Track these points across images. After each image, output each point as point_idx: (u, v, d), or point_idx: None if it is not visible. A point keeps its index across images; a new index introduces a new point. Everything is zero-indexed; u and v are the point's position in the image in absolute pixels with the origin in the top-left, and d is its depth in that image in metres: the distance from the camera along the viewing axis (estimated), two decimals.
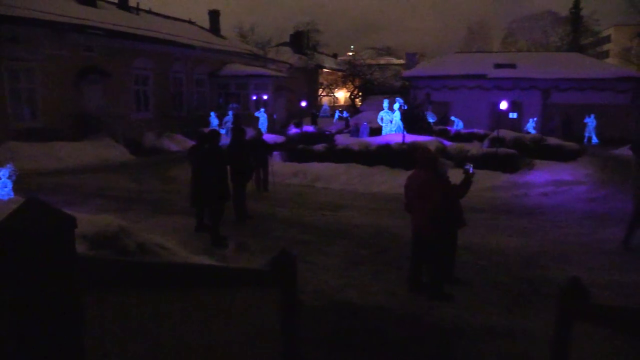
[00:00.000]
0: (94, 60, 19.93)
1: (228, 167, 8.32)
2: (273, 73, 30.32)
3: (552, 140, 16.83)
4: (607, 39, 58.38)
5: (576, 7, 48.93)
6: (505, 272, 6.82)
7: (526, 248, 8.00)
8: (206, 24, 33.80)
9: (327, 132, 18.85)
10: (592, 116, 24.26)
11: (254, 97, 27.29)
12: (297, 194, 12.17)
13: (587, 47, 49.50)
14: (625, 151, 17.97)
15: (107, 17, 22.15)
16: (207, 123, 22.93)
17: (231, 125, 21.51)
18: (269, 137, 18.07)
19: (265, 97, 27.25)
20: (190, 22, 32.34)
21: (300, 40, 45.01)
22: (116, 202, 10.62)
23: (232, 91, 27.89)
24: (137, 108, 22.62)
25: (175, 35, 25.60)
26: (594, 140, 23.91)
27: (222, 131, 20.26)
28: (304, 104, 28.53)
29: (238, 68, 28.55)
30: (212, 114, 23.77)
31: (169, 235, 7.51)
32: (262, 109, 24.42)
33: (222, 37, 33.48)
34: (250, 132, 12.24)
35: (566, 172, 13.88)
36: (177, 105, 25.20)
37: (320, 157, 14.78)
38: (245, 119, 22.13)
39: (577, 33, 48.63)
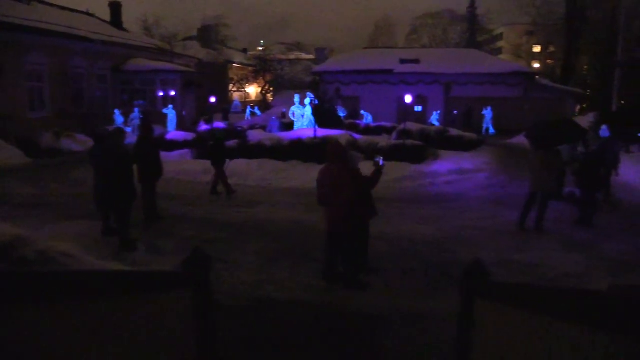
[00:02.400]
0: None
1: (135, 166, 7.97)
2: (181, 68, 29.37)
3: (454, 132, 17.83)
4: (500, 37, 62.59)
5: (472, 6, 52.02)
6: (416, 258, 7.15)
7: (434, 234, 8.42)
8: (107, 16, 32.03)
9: (239, 128, 18.60)
10: (489, 108, 25.97)
11: (161, 94, 26.30)
12: (209, 192, 11.92)
13: (483, 44, 52.88)
14: (520, 139, 19.46)
15: None
16: (112, 121, 21.79)
17: (138, 123, 20.62)
18: (178, 135, 17.56)
19: (172, 93, 26.35)
20: (88, 14, 30.45)
21: (208, 35, 43.94)
22: (11, 209, 9.79)
23: (137, 87, 26.66)
24: (31, 106, 20.93)
25: (72, 27, 23.99)
26: (491, 130, 25.62)
27: (128, 129, 19.40)
28: (213, 99, 27.91)
29: (143, 63, 27.34)
30: (117, 111, 22.63)
31: (73, 242, 7.04)
32: (171, 106, 23.63)
33: (125, 30, 31.88)
34: (157, 130, 11.74)
35: (467, 161, 14.77)
36: (78, 102, 23.66)
37: (233, 154, 14.56)
38: (153, 116, 21.28)
39: (474, 31, 51.76)
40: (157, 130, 16.29)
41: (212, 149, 11.90)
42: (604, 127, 13.41)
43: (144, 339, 2.50)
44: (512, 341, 2.68)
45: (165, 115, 22.88)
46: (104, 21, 31.14)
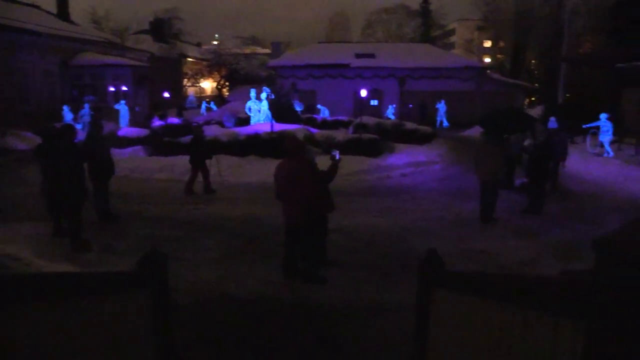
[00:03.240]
0: None
1: (86, 164, 7.72)
2: (132, 62, 28.57)
3: (409, 125, 18.14)
4: (453, 32, 64.00)
5: (425, 1, 52.93)
6: (374, 251, 7.25)
7: (391, 226, 8.55)
8: (53, 8, 30.74)
9: (194, 124, 18.29)
10: (443, 102, 26.55)
11: (112, 89, 25.54)
12: (165, 190, 11.68)
13: (436, 39, 53.90)
14: (472, 131, 20.01)
15: None
16: (61, 117, 20.99)
17: (89, 119, 19.94)
18: (130, 131, 17.12)
19: (124, 88, 25.63)
20: (34, 5, 29.12)
21: (161, 28, 42.85)
22: None
23: (87, 82, 25.77)
24: None
25: (16, 20, 22.91)
26: (445, 123, 26.20)
27: (78, 126, 18.76)
28: (167, 94, 27.31)
29: (93, 57, 26.43)
30: (65, 107, 21.81)
31: (21, 244, 6.80)
32: (123, 101, 22.94)
33: (73, 23, 30.68)
34: (108, 127, 11.30)
35: (422, 153, 15.07)
36: (24, 99, 22.67)
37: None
38: (104, 112, 20.62)
39: (427, 26, 52.69)
40: (109, 126, 15.84)
41: (190, 146, 11.58)
42: (551, 119, 13.96)
43: (102, 340, 2.44)
44: (468, 327, 2.77)
45: (117, 111, 22.21)
46: (50, 13, 29.88)
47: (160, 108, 26.45)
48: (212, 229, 8.32)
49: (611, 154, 15.01)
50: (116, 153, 11.79)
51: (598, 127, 15.15)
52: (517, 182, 10.77)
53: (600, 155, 15.12)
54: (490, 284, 2.63)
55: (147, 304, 2.80)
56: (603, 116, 14.83)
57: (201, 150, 11.30)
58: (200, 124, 18.05)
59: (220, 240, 7.65)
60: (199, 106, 33.17)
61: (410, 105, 27.01)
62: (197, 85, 46.22)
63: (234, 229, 8.33)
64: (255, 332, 4.77)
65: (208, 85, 47.82)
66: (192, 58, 44.85)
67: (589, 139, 16.09)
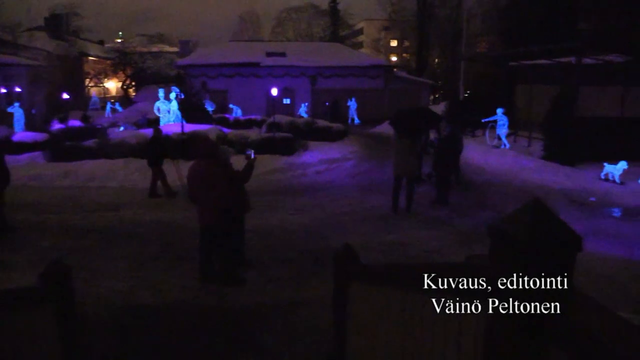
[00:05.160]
0: None
1: None
2: (26, 61, 26.54)
3: (322, 123, 18.42)
4: (361, 32, 65.67)
5: (334, 1, 53.86)
6: (291, 248, 7.29)
7: (308, 223, 8.66)
8: None
9: (98, 126, 17.34)
10: (353, 99, 27.20)
11: (4, 90, 23.55)
12: (68, 197, 10.99)
13: (345, 38, 55.01)
14: (382, 127, 20.69)
15: None
16: None
17: None
18: (26, 136, 15.90)
19: (18, 89, 23.74)
20: None
21: (57, 25, 40.08)
22: None
23: None
24: None
25: None
26: (356, 120, 26.86)
27: None
28: (66, 95, 25.65)
29: None
30: None
31: None
32: (17, 104, 21.21)
33: None
34: (1, 131, 10.43)
35: (335, 150, 15.37)
36: None
37: (93, 154, 13.60)
38: None
39: (336, 25, 53.66)
40: (2, 131, 14.67)
41: (148, 148, 10.93)
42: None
43: None
44: (384, 315, 2.88)
45: (11, 114, 20.50)
46: None
47: (60, 110, 24.77)
48: (122, 236, 7.95)
49: (507, 145, 16.16)
50: (11, 160, 10.91)
51: (495, 121, 16.26)
52: (425, 172, 11.29)
53: (498, 147, 16.24)
54: (402, 274, 2.75)
55: (51, 321, 2.63)
56: (499, 110, 15.93)
57: (161, 150, 10.87)
58: (106, 126, 17.19)
59: (132, 248, 7.33)
60: (103, 107, 31.47)
61: (327, 103, 27.35)
62: (101, 85, 43.81)
63: (146, 235, 8.01)
64: (173, 340, 4.63)
65: (113, 85, 45.51)
66: (94, 57, 42.43)
67: (487, 132, 17.23)
